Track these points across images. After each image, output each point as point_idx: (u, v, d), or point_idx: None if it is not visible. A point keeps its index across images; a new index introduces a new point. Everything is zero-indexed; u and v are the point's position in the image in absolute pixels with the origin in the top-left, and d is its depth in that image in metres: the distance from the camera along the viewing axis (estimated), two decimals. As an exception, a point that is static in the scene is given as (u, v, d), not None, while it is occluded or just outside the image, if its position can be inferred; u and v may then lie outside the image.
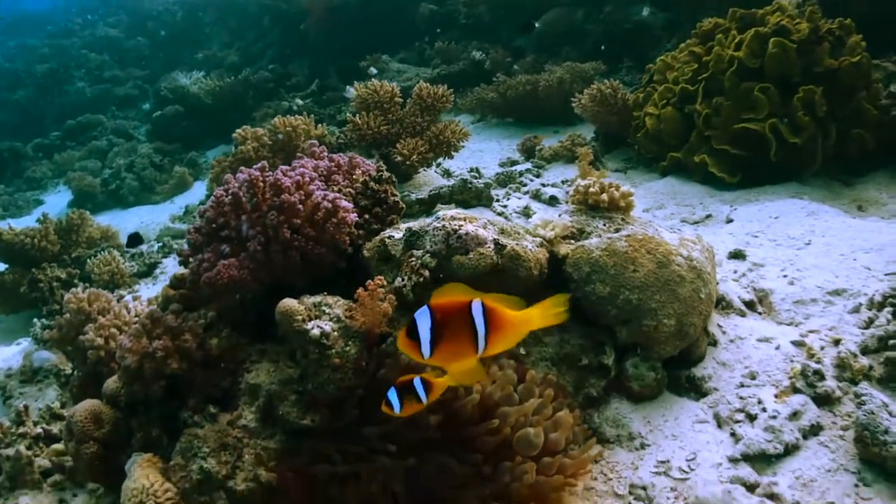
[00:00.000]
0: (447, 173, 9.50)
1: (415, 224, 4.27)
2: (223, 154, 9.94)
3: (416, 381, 3.02)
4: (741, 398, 4.23)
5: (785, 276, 5.36)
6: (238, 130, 8.52)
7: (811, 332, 4.68)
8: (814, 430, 3.97)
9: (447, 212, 4.23)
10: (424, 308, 2.75)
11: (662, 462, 3.95)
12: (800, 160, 7.50)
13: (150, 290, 8.61)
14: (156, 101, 19.50)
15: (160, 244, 10.53)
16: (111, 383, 4.17)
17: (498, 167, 10.26)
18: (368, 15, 17.05)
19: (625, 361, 4.35)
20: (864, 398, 3.86)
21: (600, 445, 4.05)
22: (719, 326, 4.79)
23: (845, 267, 5.32)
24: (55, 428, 5.39)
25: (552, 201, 7.95)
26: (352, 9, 17.14)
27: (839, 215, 6.47)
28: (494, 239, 4.06)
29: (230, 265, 3.80)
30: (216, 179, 8.67)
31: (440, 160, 8.45)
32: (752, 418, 4.08)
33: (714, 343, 4.66)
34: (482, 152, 11.37)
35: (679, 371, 4.51)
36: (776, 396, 4.18)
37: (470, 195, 6.76)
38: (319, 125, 8.79)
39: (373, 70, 14.76)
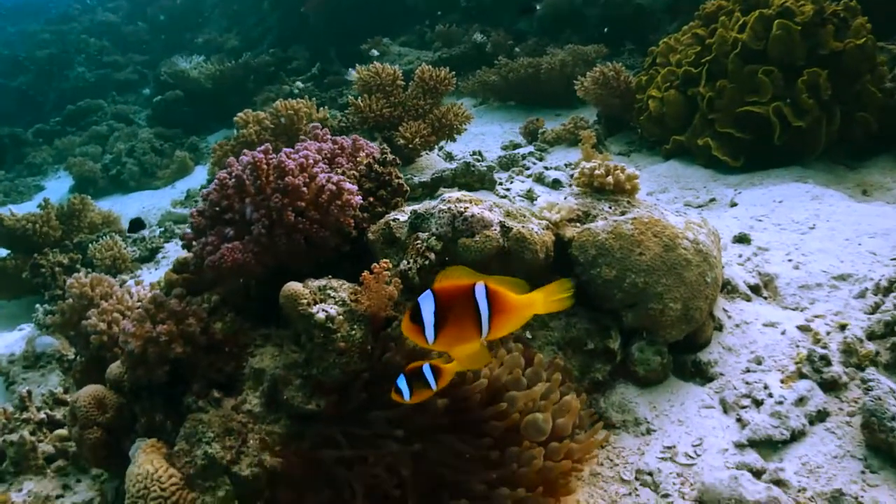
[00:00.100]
0: (449, 156, 9.47)
1: (420, 206, 4.24)
2: (224, 138, 9.89)
3: (426, 368, 3.00)
4: (747, 383, 4.21)
5: (790, 260, 5.34)
6: (240, 114, 8.48)
7: (817, 316, 4.66)
8: (820, 416, 3.95)
9: (453, 194, 4.20)
10: (428, 292, 2.73)
11: (668, 448, 3.94)
12: (804, 144, 7.48)
13: (152, 275, 8.59)
14: (156, 86, 19.49)
15: (162, 229, 10.51)
16: (115, 368, 4.14)
17: (500, 150, 10.24)
18: (369, -3, 17.03)
19: (630, 346, 4.33)
20: (871, 384, 3.84)
21: (606, 430, 4.03)
22: (725, 311, 4.77)
23: (850, 251, 5.30)
24: (58, 413, 5.38)
25: (555, 184, 7.92)
26: (352, -9, 17.11)
27: (844, 199, 6.45)
28: (500, 221, 4.04)
29: (234, 248, 3.77)
30: (218, 163, 8.63)
31: (443, 143, 8.40)
32: (758, 404, 4.06)
33: (720, 328, 4.64)
34: (484, 135, 11.35)
35: (685, 356, 4.49)
36: (782, 382, 4.16)
37: (473, 178, 6.72)
38: (321, 108, 8.74)
39: (374, 52, 14.73)
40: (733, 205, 6.87)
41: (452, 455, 3.36)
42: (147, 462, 3.51)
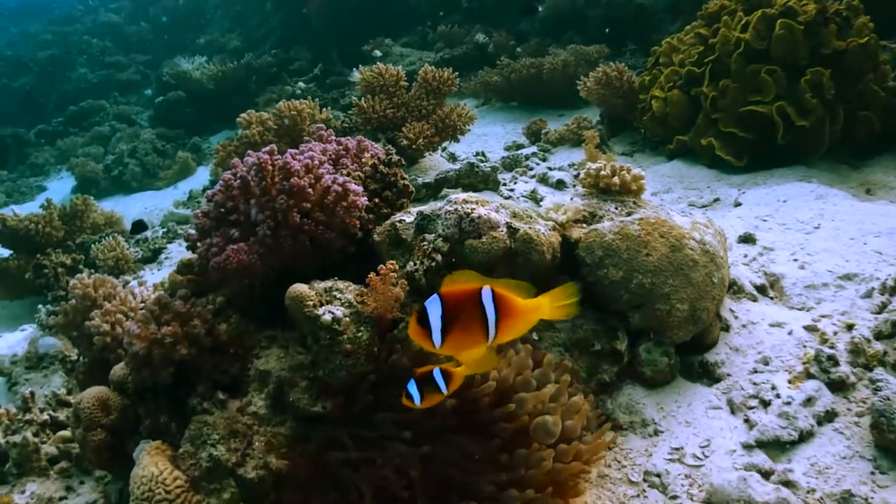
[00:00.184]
0: (453, 157, 9.46)
1: (426, 208, 4.22)
2: (227, 139, 9.89)
3: (436, 372, 2.98)
4: (754, 384, 4.20)
5: (795, 260, 5.32)
6: (243, 115, 8.46)
7: (823, 316, 4.64)
8: (828, 417, 3.94)
9: (459, 195, 4.18)
10: (435, 296, 2.70)
11: (676, 449, 3.92)
12: (807, 143, 7.47)
13: (155, 276, 8.58)
14: (158, 87, 19.50)
15: (164, 230, 10.50)
16: (119, 370, 4.12)
17: (503, 151, 10.23)
18: (371, -1, 17.01)
19: (637, 347, 4.31)
20: (880, 384, 3.83)
21: (613, 432, 4.01)
22: (731, 311, 4.75)
23: (856, 251, 5.29)
24: (61, 415, 5.36)
25: (559, 185, 7.91)
26: (354, -7, 17.10)
27: (848, 199, 6.44)
28: (507, 222, 4.02)
29: (239, 250, 3.75)
30: (221, 164, 8.62)
31: (446, 144, 8.38)
32: (765, 404, 4.05)
33: (726, 328, 4.63)
34: (487, 136, 11.34)
35: (691, 356, 4.47)
36: (790, 382, 4.15)
37: (477, 179, 6.71)
38: (324, 109, 8.74)
39: (377, 52, 14.72)
40: (737, 205, 6.86)
41: (461, 455, 3.35)
42: (152, 464, 3.49)
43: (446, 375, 2.97)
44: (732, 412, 4.11)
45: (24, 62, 24.86)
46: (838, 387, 4.07)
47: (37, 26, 28.52)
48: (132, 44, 25.73)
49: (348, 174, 4.36)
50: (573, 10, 14.08)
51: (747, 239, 5.74)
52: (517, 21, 15.29)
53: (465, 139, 8.65)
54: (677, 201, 7.35)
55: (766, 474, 3.63)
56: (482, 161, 7.50)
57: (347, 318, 3.55)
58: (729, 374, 4.34)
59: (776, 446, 3.84)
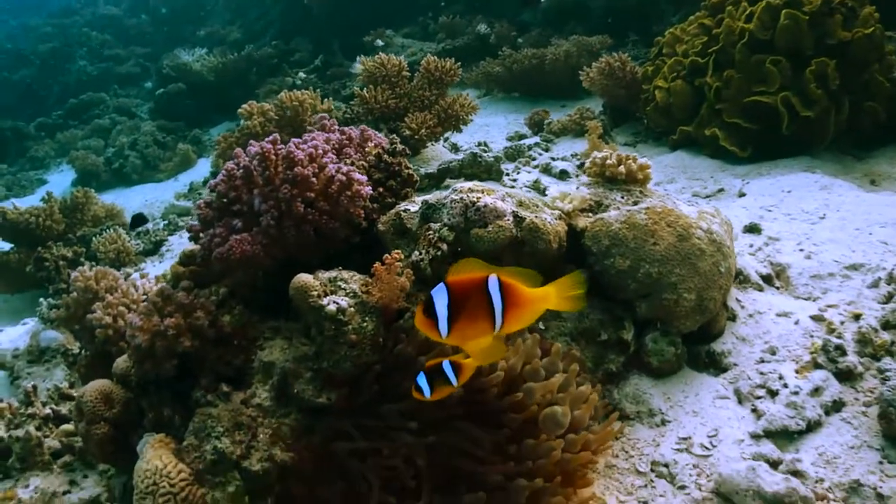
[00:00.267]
0: (455, 148, 9.43)
1: (431, 197, 4.19)
2: (227, 131, 9.88)
3: (446, 364, 2.95)
4: (762, 374, 4.18)
5: (801, 250, 5.30)
6: (244, 106, 8.42)
7: (830, 306, 4.63)
8: (836, 407, 3.92)
9: (464, 184, 4.14)
10: (441, 285, 2.67)
11: (684, 439, 3.90)
12: (812, 134, 7.44)
13: (156, 268, 8.57)
14: (158, 79, 19.48)
15: (165, 222, 10.47)
16: (121, 362, 4.09)
17: (506, 141, 10.22)
18: (372, -11, 16.97)
19: (644, 336, 4.29)
20: (888, 374, 3.82)
21: (620, 422, 3.99)
22: (738, 301, 4.73)
23: (861, 241, 5.27)
24: (64, 408, 5.34)
25: (562, 175, 7.90)
26: (355, -17, 17.05)
27: (853, 189, 6.42)
28: (513, 211, 3.98)
29: (243, 240, 3.72)
30: (222, 155, 8.60)
31: (448, 134, 8.36)
32: (773, 394, 4.03)
33: (733, 318, 4.61)
34: (488, 127, 11.32)
35: (698, 346, 4.45)
36: (797, 372, 4.13)
37: (479, 169, 6.68)
38: (325, 100, 8.71)
39: (379, 42, 14.69)
40: (742, 195, 6.84)
41: (469, 442, 3.32)
42: (156, 457, 3.46)
43: (456, 367, 2.94)
44: (740, 402, 4.09)
45: (24, 55, 24.87)
46: (846, 376, 4.05)
47: (36, 19, 28.52)
48: (132, 36, 25.74)
49: (352, 164, 4.33)
50: (575, 1, 14.06)
51: (753, 229, 5.72)
52: (519, 11, 15.27)
53: (467, 129, 8.64)
54: (681, 192, 7.33)
55: (774, 464, 3.61)
56: (485, 151, 7.45)
57: (352, 309, 3.52)
58: (736, 364, 4.33)
59: (784, 436, 3.83)
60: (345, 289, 3.60)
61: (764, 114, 7.53)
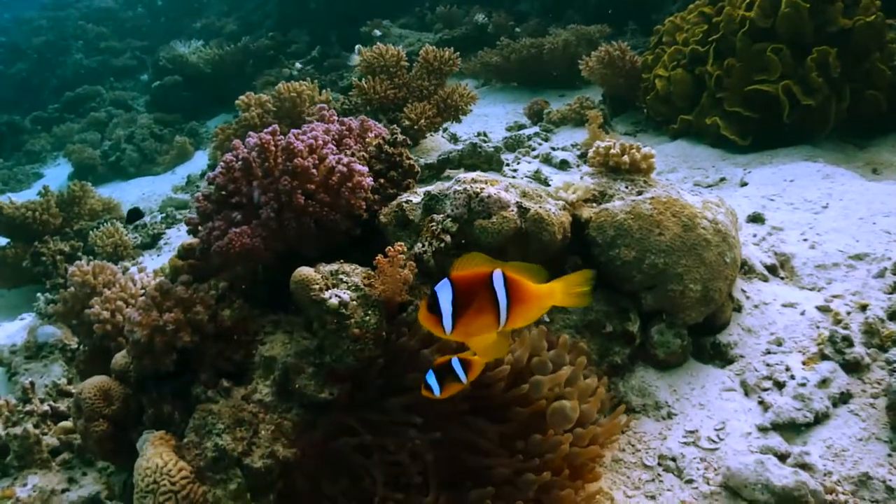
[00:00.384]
0: (454, 138, 9.38)
1: (434, 188, 4.14)
2: (224, 122, 9.81)
3: (455, 362, 2.90)
4: (768, 365, 4.15)
5: (805, 239, 5.27)
6: (241, 97, 8.38)
7: (835, 297, 4.60)
8: (843, 398, 3.90)
9: (467, 174, 4.11)
10: (445, 281, 2.62)
11: (691, 432, 3.87)
12: (813, 122, 7.40)
13: (154, 262, 8.51)
14: (154, 72, 19.40)
15: (163, 215, 10.42)
16: (120, 358, 4.05)
17: (505, 131, 10.16)
18: (369, -20, 16.90)
19: (650, 328, 4.24)
20: (895, 365, 3.78)
21: (626, 415, 3.95)
22: (743, 291, 4.70)
23: (865, 231, 5.23)
24: (62, 405, 5.30)
25: (563, 165, 7.85)
26: (352, -26, 16.99)
27: (855, 178, 6.38)
28: (517, 202, 3.94)
29: (242, 233, 3.67)
30: (220, 147, 8.56)
31: (447, 125, 8.31)
32: (780, 386, 4.00)
33: (738, 309, 4.57)
34: (487, 117, 11.27)
35: (703, 338, 4.42)
36: (804, 363, 4.10)
37: (480, 160, 6.62)
38: (323, 91, 8.66)
39: (377, 32, 14.64)
40: (744, 184, 6.80)
41: (476, 434, 3.28)
42: (156, 455, 3.42)
43: (465, 364, 2.89)
44: (746, 394, 4.06)
45: (20, 48, 24.79)
46: (853, 368, 4.03)
47: (30, 12, 28.40)
48: (127, 29, 25.67)
49: (352, 155, 4.27)
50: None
51: (756, 219, 5.68)
52: (516, 1, 15.21)
53: (466, 120, 8.59)
54: (682, 181, 7.29)
55: (782, 457, 3.58)
56: (485, 141, 7.42)
57: (355, 302, 3.48)
58: (742, 356, 4.30)
59: (791, 428, 3.80)
60: (347, 282, 3.56)
61: (765, 102, 7.48)
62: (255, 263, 3.91)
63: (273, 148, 3.80)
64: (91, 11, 27.18)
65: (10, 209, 8.72)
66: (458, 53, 8.10)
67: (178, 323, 3.67)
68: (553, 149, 8.58)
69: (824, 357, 4.09)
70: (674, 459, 3.73)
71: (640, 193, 4.41)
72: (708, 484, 3.56)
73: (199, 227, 3.95)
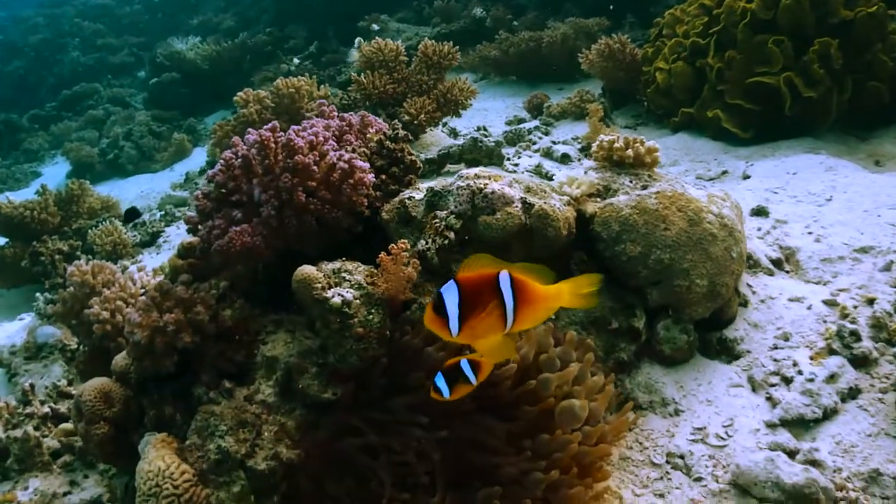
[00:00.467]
0: (454, 133, 9.34)
1: (436, 183, 4.10)
2: (223, 119, 9.78)
3: (464, 363, 2.86)
4: (775, 360, 4.12)
5: (810, 233, 5.24)
6: (240, 93, 8.35)
7: (841, 290, 4.57)
8: (852, 394, 3.87)
9: (471, 170, 4.07)
10: (451, 282, 2.58)
11: (699, 429, 3.84)
12: (815, 114, 7.36)
13: (154, 260, 8.48)
14: (152, 69, 19.34)
15: (162, 212, 10.38)
16: (120, 360, 4.01)
17: (505, 126, 10.12)
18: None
19: (656, 324, 4.21)
20: (905, 359, 3.77)
21: (632, 412, 3.91)
22: (749, 286, 4.66)
23: (870, 223, 5.20)
24: (63, 407, 5.26)
25: (564, 159, 7.82)
26: (349, -32, 16.93)
27: (859, 170, 6.34)
28: (521, 198, 3.90)
29: (243, 232, 3.63)
30: (219, 144, 8.51)
31: (447, 119, 8.27)
32: (787, 381, 3.98)
33: (745, 303, 4.54)
34: (486, 111, 11.25)
35: (710, 333, 4.38)
36: (811, 358, 4.08)
37: (480, 154, 6.60)
38: (322, 86, 8.63)
39: (375, 27, 14.61)
40: (746, 177, 6.76)
41: (485, 432, 3.25)
42: (158, 458, 3.38)
43: (474, 366, 2.85)
44: (754, 390, 4.04)
45: (17, 46, 24.76)
46: (861, 362, 4.01)
47: (27, 10, 28.34)
48: (124, 26, 25.63)
49: (353, 151, 4.23)
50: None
51: (760, 212, 5.65)
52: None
53: (465, 114, 8.54)
54: (685, 174, 7.25)
55: (791, 454, 3.56)
56: (485, 136, 7.37)
57: (358, 301, 3.44)
58: (749, 351, 4.27)
59: (800, 424, 3.77)
60: (349, 280, 3.52)
61: (766, 94, 7.44)
62: (256, 262, 3.87)
63: (273, 145, 3.76)
64: (87, 9, 27.11)
65: (9, 208, 8.68)
66: (457, 47, 8.05)
67: (179, 323, 3.62)
68: (554, 143, 8.55)
69: (832, 352, 4.06)
70: (682, 457, 3.69)
71: (644, 188, 4.37)
72: (717, 482, 3.53)
73: (199, 226, 3.90)
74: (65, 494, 4.58)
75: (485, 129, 9.05)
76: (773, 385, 3.98)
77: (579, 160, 7.82)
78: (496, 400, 3.34)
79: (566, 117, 9.78)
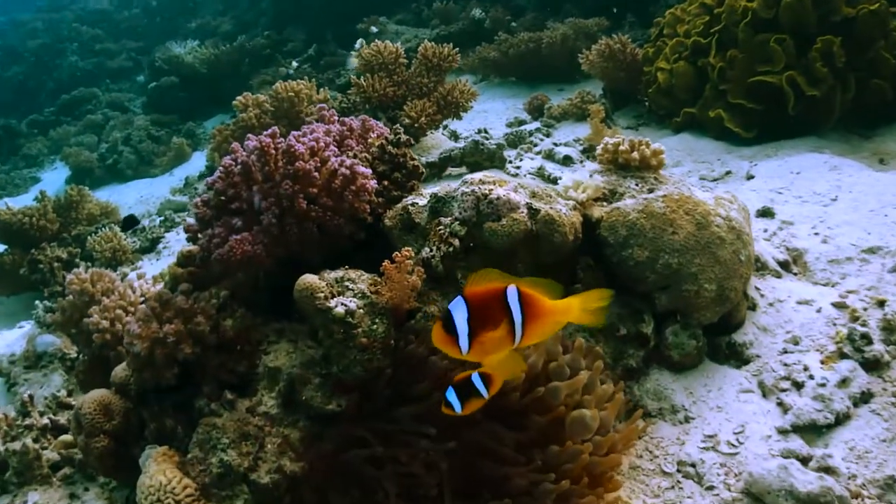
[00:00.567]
0: (454, 135, 9.29)
1: (440, 189, 4.05)
2: (221, 123, 9.74)
3: (475, 377, 2.81)
4: (786, 365, 4.07)
5: (817, 234, 5.19)
6: (239, 98, 8.31)
7: (850, 292, 4.53)
8: (864, 398, 3.83)
9: (474, 175, 4.01)
10: (459, 298, 2.53)
11: (710, 436, 3.78)
12: (818, 113, 7.32)
13: (153, 267, 8.43)
14: (150, 73, 19.34)
15: (162, 218, 10.34)
16: (120, 371, 3.95)
17: (505, 127, 10.09)
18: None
19: (664, 329, 4.16)
20: (918, 363, 3.72)
21: (642, 420, 3.85)
22: (757, 289, 4.62)
23: (877, 223, 5.16)
24: (62, 418, 5.21)
25: (566, 161, 7.76)
26: (347, -29, 16.91)
27: (863, 169, 6.30)
28: (527, 203, 3.85)
29: (243, 240, 3.57)
30: (218, 149, 8.48)
31: (447, 122, 8.21)
32: (798, 386, 3.92)
33: (753, 307, 4.49)
34: (487, 113, 11.20)
35: (718, 338, 4.33)
36: (822, 362, 4.03)
37: (482, 157, 6.54)
38: (321, 89, 8.58)
39: (373, 29, 14.58)
40: (750, 177, 6.71)
41: (495, 441, 3.20)
42: (159, 472, 3.33)
43: (486, 379, 2.80)
44: (764, 395, 3.98)
45: (16, 51, 24.75)
46: (873, 366, 3.96)
47: (25, 15, 28.33)
48: (122, 30, 25.62)
49: (355, 156, 4.17)
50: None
51: (766, 213, 5.60)
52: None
53: (465, 116, 8.50)
54: (688, 175, 7.20)
55: (804, 460, 3.51)
56: (486, 138, 7.32)
57: (361, 311, 3.39)
58: (758, 356, 4.21)
59: (812, 430, 3.72)
60: (353, 289, 3.47)
61: (769, 94, 7.40)
62: (257, 270, 3.82)
63: (273, 151, 3.70)
64: (86, 13, 27.13)
65: (7, 215, 8.64)
66: (456, 49, 8.00)
67: (179, 334, 3.57)
68: (556, 144, 8.49)
69: (843, 355, 4.01)
70: (693, 465, 3.63)
71: (651, 191, 4.31)
72: (729, 490, 3.48)
73: (199, 234, 3.86)
74: (65, 508, 4.54)
75: (486, 132, 9.00)
76: (783, 390, 3.92)
77: (581, 162, 7.76)
78: (505, 409, 3.29)
79: (567, 118, 9.74)
